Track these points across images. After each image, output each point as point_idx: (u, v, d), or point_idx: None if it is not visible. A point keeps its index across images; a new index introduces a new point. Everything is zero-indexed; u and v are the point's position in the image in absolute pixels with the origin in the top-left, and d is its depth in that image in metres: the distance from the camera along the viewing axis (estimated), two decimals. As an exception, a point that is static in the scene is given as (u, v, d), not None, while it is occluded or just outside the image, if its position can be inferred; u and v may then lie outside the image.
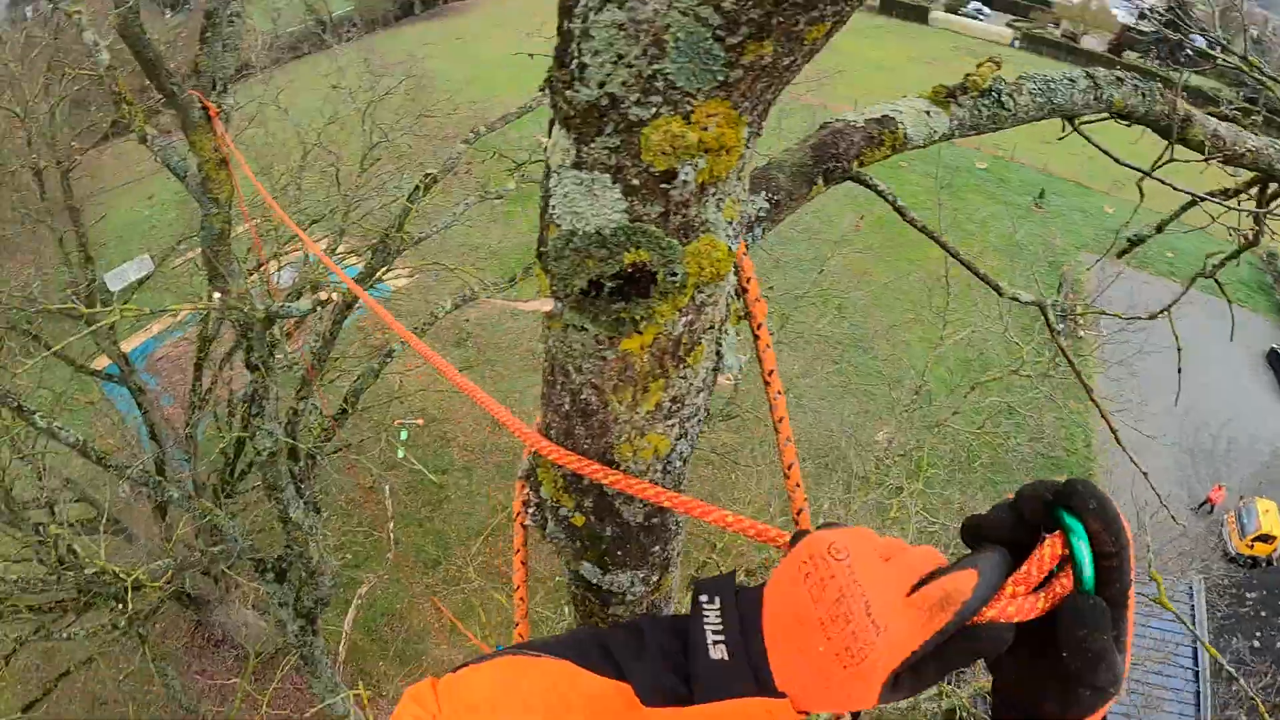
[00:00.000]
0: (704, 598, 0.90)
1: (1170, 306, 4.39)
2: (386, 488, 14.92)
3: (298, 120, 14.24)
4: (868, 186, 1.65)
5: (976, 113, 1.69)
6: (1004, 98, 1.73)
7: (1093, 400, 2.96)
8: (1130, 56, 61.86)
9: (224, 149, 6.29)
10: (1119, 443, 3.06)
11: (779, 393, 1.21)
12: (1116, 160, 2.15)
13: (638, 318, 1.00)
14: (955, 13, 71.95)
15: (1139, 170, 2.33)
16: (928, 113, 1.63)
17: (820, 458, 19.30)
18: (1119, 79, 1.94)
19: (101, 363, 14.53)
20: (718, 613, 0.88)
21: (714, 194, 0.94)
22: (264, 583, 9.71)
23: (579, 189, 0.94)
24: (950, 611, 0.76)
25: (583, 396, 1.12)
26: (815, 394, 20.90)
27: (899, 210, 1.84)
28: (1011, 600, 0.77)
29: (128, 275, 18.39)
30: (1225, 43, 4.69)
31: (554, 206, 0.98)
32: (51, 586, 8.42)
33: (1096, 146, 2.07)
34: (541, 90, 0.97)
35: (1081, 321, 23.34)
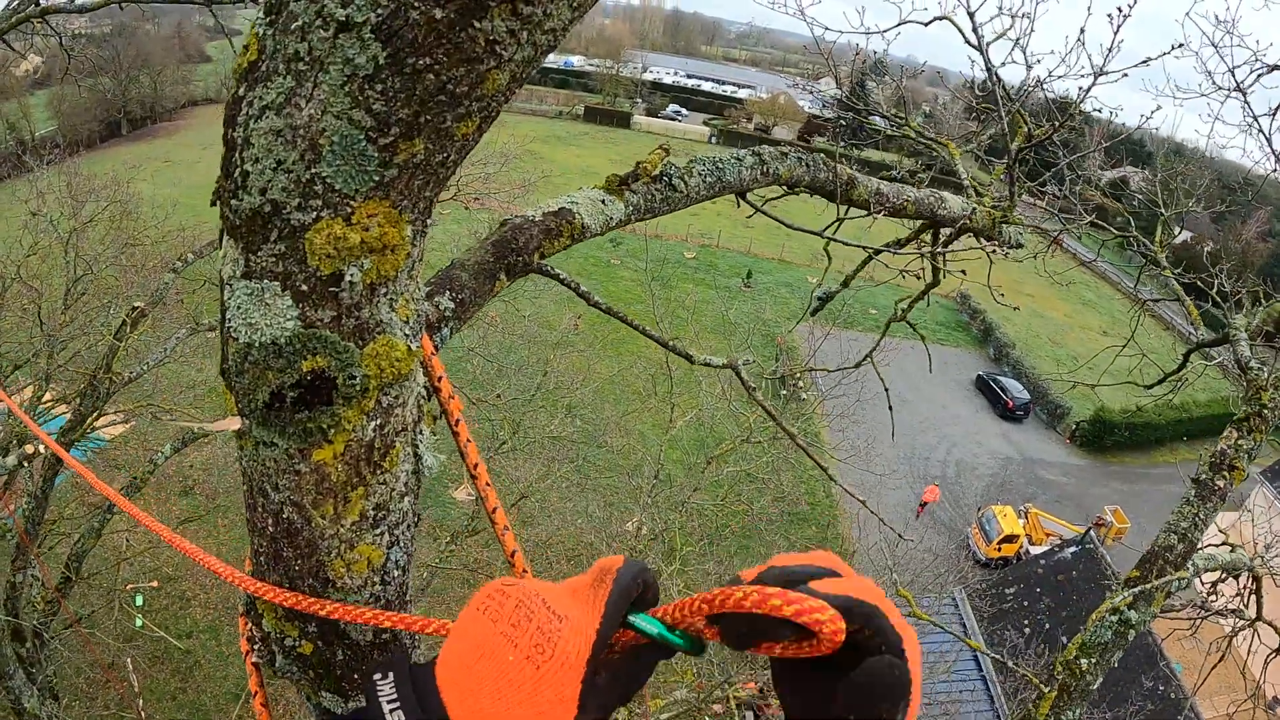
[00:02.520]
0: (378, 676, 0.86)
1: (870, 354, 4.84)
2: (128, 662, 13.19)
3: (-6, 253, 12.85)
4: (549, 277, 1.71)
5: (650, 197, 1.82)
6: (675, 180, 1.87)
7: (796, 443, 3.18)
8: (819, 141, 69.44)
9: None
10: (830, 476, 3.29)
11: (488, 484, 1.21)
12: (789, 226, 2.38)
13: (325, 426, 0.97)
14: (656, 116, 77.99)
15: (815, 234, 2.59)
16: (603, 201, 1.73)
17: (574, 556, 19.30)
18: (783, 154, 2.16)
19: None
20: (391, 685, 0.84)
21: (385, 294, 0.95)
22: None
23: (251, 299, 0.91)
24: (609, 580, 0.79)
25: (285, 515, 1.07)
26: (557, 495, 20.99)
27: (583, 296, 1.93)
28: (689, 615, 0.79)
29: None
30: (902, 119, 5.29)
31: (230, 319, 0.95)
32: None
33: (769, 216, 2.28)
34: (212, 204, 0.94)
35: (801, 384, 25.31)
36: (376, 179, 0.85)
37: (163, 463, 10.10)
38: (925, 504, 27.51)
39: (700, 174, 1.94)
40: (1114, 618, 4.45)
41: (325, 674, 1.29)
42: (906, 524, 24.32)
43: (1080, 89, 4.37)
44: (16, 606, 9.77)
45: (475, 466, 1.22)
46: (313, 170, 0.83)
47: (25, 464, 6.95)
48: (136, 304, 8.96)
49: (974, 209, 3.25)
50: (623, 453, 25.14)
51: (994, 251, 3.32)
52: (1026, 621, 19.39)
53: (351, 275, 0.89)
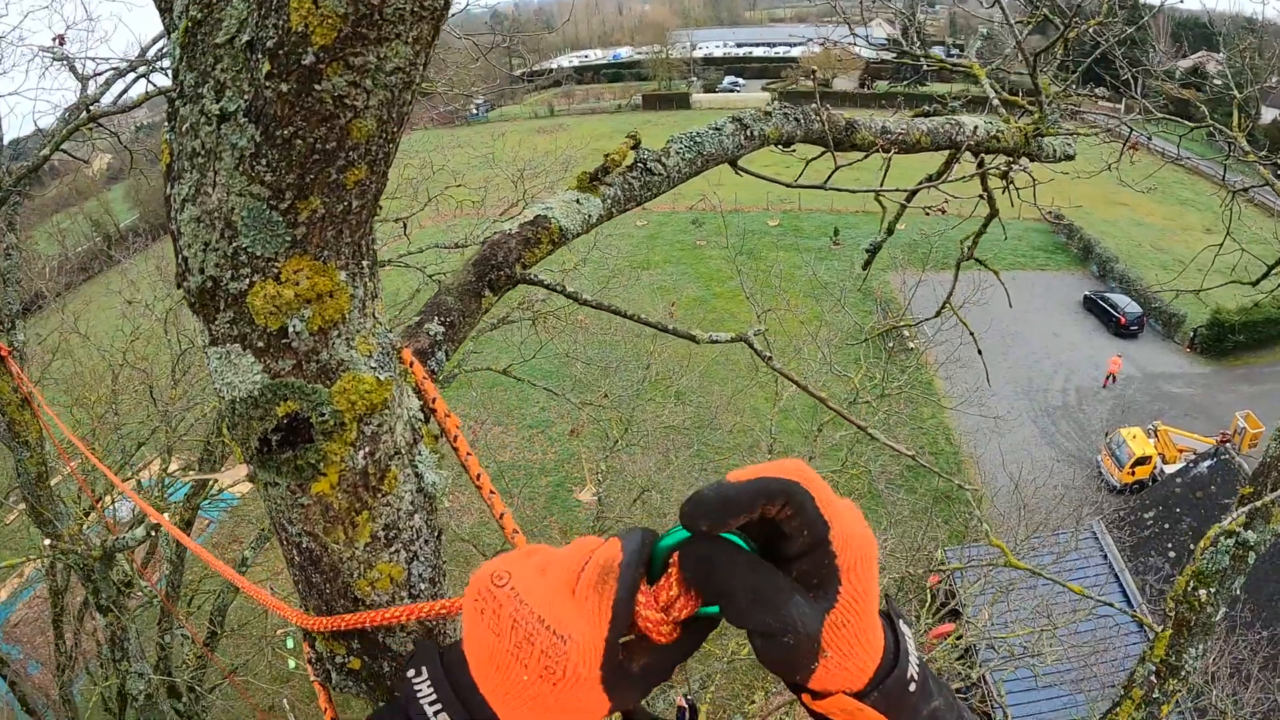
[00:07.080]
0: (411, 673, 0.87)
1: (947, 299, 4.75)
2: (284, 702, 13.86)
3: (101, 344, 13.66)
4: (534, 284, 1.76)
5: (628, 186, 1.86)
6: (651, 165, 1.91)
7: (830, 408, 3.16)
8: (881, 85, 67.64)
9: (23, 389, 5.99)
10: (872, 435, 3.26)
11: (491, 492, 1.29)
12: (784, 184, 2.37)
13: (314, 461, 1.08)
14: (713, 91, 77.10)
15: (816, 188, 2.58)
16: (578, 201, 1.77)
17: (705, 544, 19.27)
18: (766, 114, 2.16)
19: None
20: (429, 684, 0.84)
21: (339, 335, 1.05)
22: None
23: (222, 362, 1.04)
24: (613, 581, 0.76)
25: (304, 545, 1.18)
26: (679, 482, 21.03)
27: (570, 297, 1.98)
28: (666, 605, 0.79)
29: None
30: (960, 49, 5.17)
31: (214, 382, 1.08)
32: None
33: (765, 179, 2.27)
34: (176, 286, 1.07)
35: (907, 334, 24.77)
36: (289, 239, 0.96)
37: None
38: (1112, 375, 29.15)
39: (678, 152, 1.98)
40: (1229, 540, 4.18)
41: (376, 685, 1.39)
42: (1031, 460, 23.62)
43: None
44: (169, 665, 10.50)
45: (479, 477, 1.31)
46: (234, 244, 0.95)
47: (153, 533, 7.47)
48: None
49: (999, 128, 3.16)
50: (738, 431, 24.99)
51: (1017, 168, 3.22)
52: (1170, 545, 18.47)
53: (294, 326, 1.00)
